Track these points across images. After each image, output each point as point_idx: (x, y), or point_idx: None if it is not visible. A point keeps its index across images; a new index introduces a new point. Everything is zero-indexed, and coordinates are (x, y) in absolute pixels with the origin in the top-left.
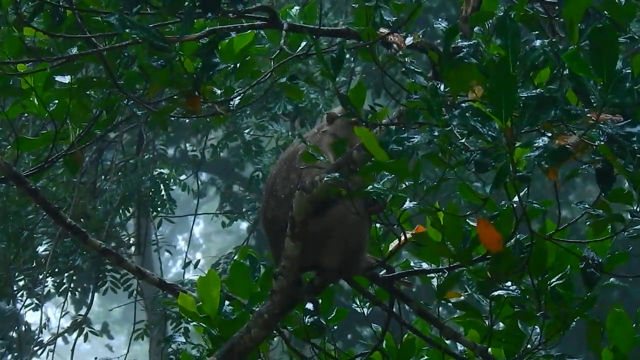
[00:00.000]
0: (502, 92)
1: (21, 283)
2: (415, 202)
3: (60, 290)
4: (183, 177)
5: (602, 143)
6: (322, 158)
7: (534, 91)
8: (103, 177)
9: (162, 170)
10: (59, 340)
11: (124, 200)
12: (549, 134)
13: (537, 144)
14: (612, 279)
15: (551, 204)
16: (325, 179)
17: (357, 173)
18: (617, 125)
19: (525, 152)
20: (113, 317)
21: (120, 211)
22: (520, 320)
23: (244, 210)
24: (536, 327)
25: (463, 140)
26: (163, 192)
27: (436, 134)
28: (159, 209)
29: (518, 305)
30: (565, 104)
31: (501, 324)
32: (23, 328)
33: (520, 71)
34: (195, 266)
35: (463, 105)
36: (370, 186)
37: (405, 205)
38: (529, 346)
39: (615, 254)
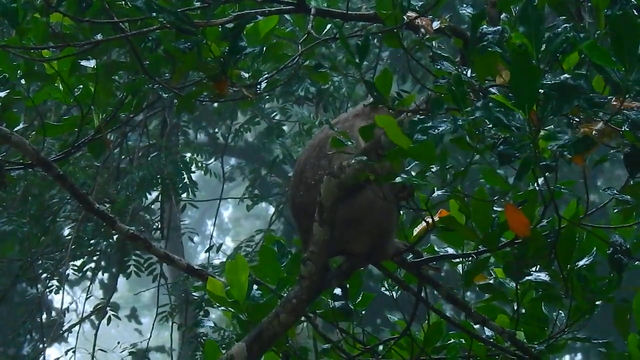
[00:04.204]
0: (523, 82)
1: (45, 267)
2: (443, 190)
3: (81, 274)
4: (211, 161)
5: (627, 130)
6: (350, 143)
7: (558, 78)
8: (127, 159)
9: (185, 154)
10: (88, 325)
11: (145, 184)
12: (576, 120)
13: (559, 134)
14: (637, 262)
15: (574, 184)
16: (352, 162)
17: (385, 158)
18: None
19: (550, 141)
20: (142, 301)
21: (142, 195)
22: (545, 304)
23: (272, 194)
24: (561, 311)
25: (495, 131)
26: (185, 176)
27: (460, 122)
28: (180, 192)
29: (543, 289)
30: (590, 91)
31: (525, 308)
32: (47, 311)
33: (544, 58)
34: (217, 250)
35: (487, 94)
36: (399, 174)
37: (434, 194)
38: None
39: None
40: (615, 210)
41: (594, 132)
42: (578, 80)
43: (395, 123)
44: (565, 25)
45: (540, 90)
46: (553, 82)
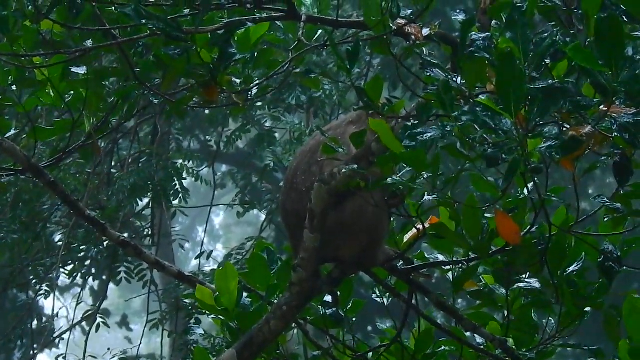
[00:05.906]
0: (509, 85)
1: (35, 273)
2: (434, 195)
3: (72, 280)
4: (202, 168)
5: (617, 135)
6: (342, 150)
7: (544, 83)
8: (119, 165)
9: (176, 161)
10: (78, 332)
11: (136, 190)
12: (567, 127)
13: (547, 135)
14: (624, 267)
15: (564, 190)
16: (343, 170)
17: (376, 165)
18: (628, 114)
19: (538, 144)
20: (133, 308)
21: (133, 202)
22: (535, 310)
23: (263, 201)
24: (550, 318)
25: (481, 133)
26: (176, 182)
27: (448, 129)
28: (171, 198)
29: (533, 295)
30: (577, 94)
31: (515, 314)
32: (38, 318)
33: (532, 63)
34: (208, 257)
35: (475, 99)
36: (389, 179)
37: (424, 198)
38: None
39: (627, 239)
40: (606, 219)
41: (582, 134)
42: (565, 84)
43: (389, 127)
44: (551, 30)
45: (527, 94)
46: (540, 85)
